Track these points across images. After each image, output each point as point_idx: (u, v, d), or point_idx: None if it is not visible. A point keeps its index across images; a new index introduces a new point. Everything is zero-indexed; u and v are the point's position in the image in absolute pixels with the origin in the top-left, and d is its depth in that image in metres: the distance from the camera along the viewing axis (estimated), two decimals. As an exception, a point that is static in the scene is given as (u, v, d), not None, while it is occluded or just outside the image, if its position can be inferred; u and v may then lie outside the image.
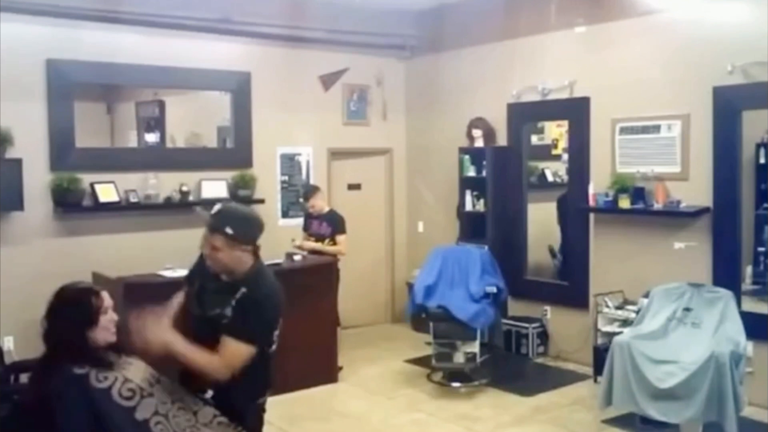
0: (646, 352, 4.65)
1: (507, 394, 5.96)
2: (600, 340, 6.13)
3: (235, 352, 2.75)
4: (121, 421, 2.46)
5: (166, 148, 7.47)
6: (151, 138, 7.73)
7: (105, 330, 2.61)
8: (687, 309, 4.87)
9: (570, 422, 5.31)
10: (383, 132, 8.25)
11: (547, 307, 6.98)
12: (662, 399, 4.51)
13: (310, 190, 6.77)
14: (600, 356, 5.78)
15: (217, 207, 2.95)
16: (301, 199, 7.18)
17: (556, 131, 7.61)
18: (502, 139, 7.29)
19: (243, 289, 2.81)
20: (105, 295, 2.67)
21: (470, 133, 7.39)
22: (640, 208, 6.02)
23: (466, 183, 7.37)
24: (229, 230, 2.79)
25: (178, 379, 2.82)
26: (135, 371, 2.60)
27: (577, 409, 5.57)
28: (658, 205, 5.92)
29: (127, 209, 6.40)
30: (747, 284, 5.79)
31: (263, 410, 3.06)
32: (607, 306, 6.17)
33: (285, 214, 7.53)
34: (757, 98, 5.35)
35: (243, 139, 7.21)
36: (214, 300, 2.87)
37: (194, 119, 7.87)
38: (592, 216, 6.55)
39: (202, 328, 2.86)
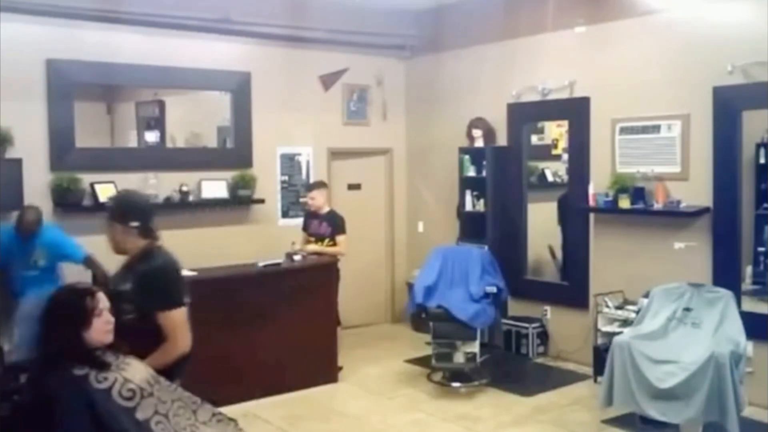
0: (646, 352, 4.64)
1: (507, 394, 5.96)
2: (600, 340, 6.13)
3: (175, 320, 3.10)
4: (122, 421, 2.46)
5: (166, 148, 7.48)
6: (151, 138, 7.73)
7: (99, 332, 2.60)
8: (687, 309, 4.87)
9: (570, 422, 5.31)
10: (383, 132, 8.25)
11: (547, 307, 6.98)
12: (662, 399, 4.51)
13: (316, 184, 6.76)
14: (600, 356, 5.79)
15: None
16: (302, 198, 7.18)
17: (556, 131, 7.61)
18: (502, 139, 7.29)
19: (139, 266, 3.17)
20: (100, 296, 2.65)
21: (470, 133, 7.39)
22: (640, 208, 6.02)
23: (466, 183, 7.37)
24: (113, 215, 3.27)
25: None
26: (134, 371, 2.60)
27: (577, 409, 5.57)
28: (658, 205, 5.92)
29: (127, 209, 6.39)
30: (747, 284, 5.79)
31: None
32: (607, 306, 6.17)
33: (285, 214, 7.53)
34: (757, 98, 5.35)
35: (243, 139, 7.21)
36: (119, 278, 3.25)
37: (194, 119, 7.88)
38: (592, 216, 6.55)
39: (113, 305, 3.13)
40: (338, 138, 7.88)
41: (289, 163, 7.59)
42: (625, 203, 6.09)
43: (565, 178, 7.10)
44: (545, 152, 7.69)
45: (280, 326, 5.87)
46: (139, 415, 2.50)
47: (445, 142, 7.75)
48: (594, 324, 6.27)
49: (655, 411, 4.54)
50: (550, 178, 7.70)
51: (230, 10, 6.83)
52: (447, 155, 7.65)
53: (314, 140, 7.73)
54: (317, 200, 6.54)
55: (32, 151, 6.01)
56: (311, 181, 7.41)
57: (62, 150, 6.18)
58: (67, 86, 6.20)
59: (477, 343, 6.08)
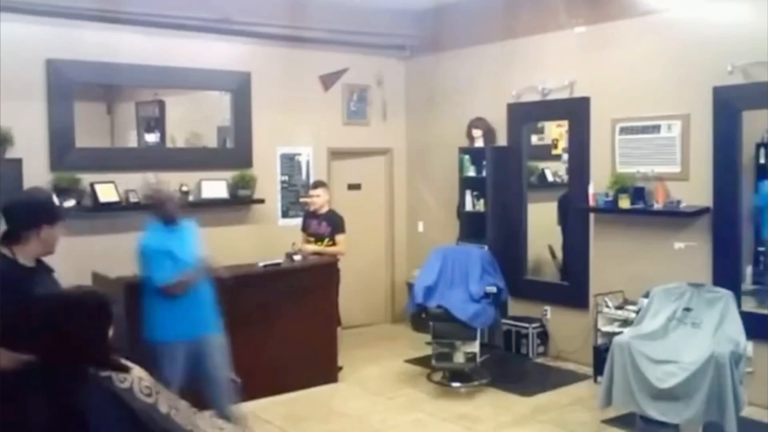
0: (646, 352, 4.65)
1: (507, 394, 5.96)
2: (600, 340, 6.13)
3: None
4: (154, 417, 2.48)
5: (166, 148, 7.48)
6: (151, 138, 7.73)
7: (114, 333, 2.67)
8: (687, 309, 4.87)
9: (570, 422, 5.31)
10: (383, 132, 8.25)
11: (547, 307, 6.98)
12: (662, 399, 4.51)
13: (319, 183, 6.75)
14: (600, 356, 5.79)
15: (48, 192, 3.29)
16: (302, 198, 7.17)
17: (556, 131, 7.61)
18: (502, 139, 7.29)
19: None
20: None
21: (470, 133, 7.40)
22: (640, 208, 6.02)
23: (466, 183, 7.38)
24: None
25: None
26: (138, 370, 2.61)
27: (577, 409, 5.57)
28: (658, 205, 5.92)
29: (127, 209, 6.40)
30: (747, 284, 5.79)
31: None
32: (607, 306, 6.17)
33: (285, 214, 7.53)
34: (757, 98, 5.35)
35: (243, 139, 7.21)
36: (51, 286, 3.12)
37: (194, 119, 7.87)
38: (592, 216, 6.55)
39: None
40: (338, 138, 7.88)
41: (289, 163, 7.59)
42: (625, 203, 6.09)
43: (565, 178, 7.09)
44: (545, 152, 7.69)
45: (280, 326, 5.86)
46: (162, 410, 2.53)
47: (445, 142, 7.75)
48: (594, 324, 6.27)
49: (655, 411, 4.54)
50: (550, 178, 7.69)
51: (230, 10, 6.82)
52: (447, 155, 7.65)
53: (314, 140, 7.73)
54: (321, 198, 6.52)
55: (32, 151, 6.01)
56: (311, 181, 7.41)
57: (62, 150, 6.18)
58: (67, 86, 6.20)
59: (477, 343, 6.08)
